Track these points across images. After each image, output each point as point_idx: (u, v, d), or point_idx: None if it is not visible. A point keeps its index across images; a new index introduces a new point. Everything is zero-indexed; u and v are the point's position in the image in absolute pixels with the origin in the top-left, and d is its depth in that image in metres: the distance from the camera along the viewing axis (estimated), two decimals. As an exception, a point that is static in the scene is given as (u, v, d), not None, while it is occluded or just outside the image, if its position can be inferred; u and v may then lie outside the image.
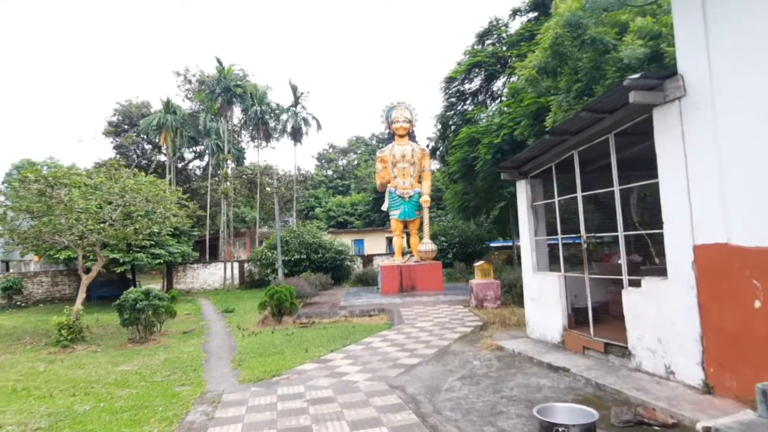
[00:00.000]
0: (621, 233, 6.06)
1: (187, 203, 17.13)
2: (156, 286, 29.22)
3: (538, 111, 15.44)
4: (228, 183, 23.75)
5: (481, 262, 13.14)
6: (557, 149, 7.07)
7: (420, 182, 18.72)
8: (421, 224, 18.90)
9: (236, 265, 25.96)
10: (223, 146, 26.02)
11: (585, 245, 6.94)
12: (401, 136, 18.62)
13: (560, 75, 12.64)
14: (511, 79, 27.40)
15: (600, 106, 5.72)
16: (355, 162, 73.47)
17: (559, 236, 7.65)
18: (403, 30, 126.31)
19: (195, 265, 25.51)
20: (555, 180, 7.38)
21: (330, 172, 71.80)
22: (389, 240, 39.71)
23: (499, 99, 25.44)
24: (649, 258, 22.66)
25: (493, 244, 30.92)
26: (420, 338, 9.10)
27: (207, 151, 31.75)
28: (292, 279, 17.34)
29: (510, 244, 35.73)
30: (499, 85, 27.79)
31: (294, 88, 31.98)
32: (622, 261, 8.04)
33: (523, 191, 8.28)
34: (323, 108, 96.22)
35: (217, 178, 32.97)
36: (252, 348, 9.53)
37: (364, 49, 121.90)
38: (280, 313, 12.59)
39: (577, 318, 7.25)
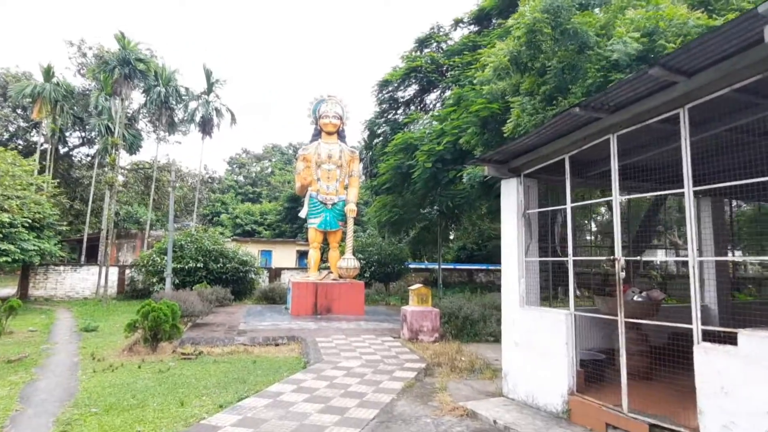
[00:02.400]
0: (694, 258, 4.01)
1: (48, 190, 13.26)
2: (9, 290, 23.91)
3: (486, 119, 13.77)
4: (114, 172, 19.66)
5: (418, 286, 10.92)
6: (579, 133, 5.02)
7: (346, 188, 16.29)
8: (344, 237, 16.43)
9: (115, 270, 21.70)
10: (114, 129, 21.86)
11: (620, 270, 4.86)
12: (329, 134, 16.14)
13: (528, 71, 10.92)
14: (445, 94, 26.16)
15: (712, 48, 3.55)
16: (269, 170, 69.61)
17: (570, 257, 5.56)
18: (333, 33, 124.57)
19: (60, 268, 20.92)
20: (569, 178, 5.30)
21: (241, 178, 67.24)
22: (300, 254, 36.65)
23: (431, 112, 23.59)
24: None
25: (411, 266, 29.07)
26: (349, 388, 6.56)
27: (95, 135, 26.96)
28: (181, 292, 14.03)
29: (429, 266, 34.34)
30: (433, 98, 26.40)
31: (208, 74, 28.29)
32: (643, 295, 6.16)
33: (513, 194, 6.14)
34: (240, 110, 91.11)
35: (105, 168, 28.26)
36: (100, 395, 6.44)
37: (290, 52, 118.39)
38: (155, 338, 9.43)
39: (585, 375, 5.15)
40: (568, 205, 5.44)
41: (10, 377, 7.49)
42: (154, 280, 19.74)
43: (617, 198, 4.67)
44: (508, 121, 11.06)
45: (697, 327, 3.83)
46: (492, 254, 40.76)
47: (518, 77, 11.39)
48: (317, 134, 16.38)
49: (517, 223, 6.01)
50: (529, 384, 5.50)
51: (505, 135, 11.38)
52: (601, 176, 6.77)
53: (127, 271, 21.76)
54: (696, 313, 3.86)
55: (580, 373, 5.05)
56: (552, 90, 10.65)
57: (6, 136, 33.41)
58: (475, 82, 14.49)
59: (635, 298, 5.97)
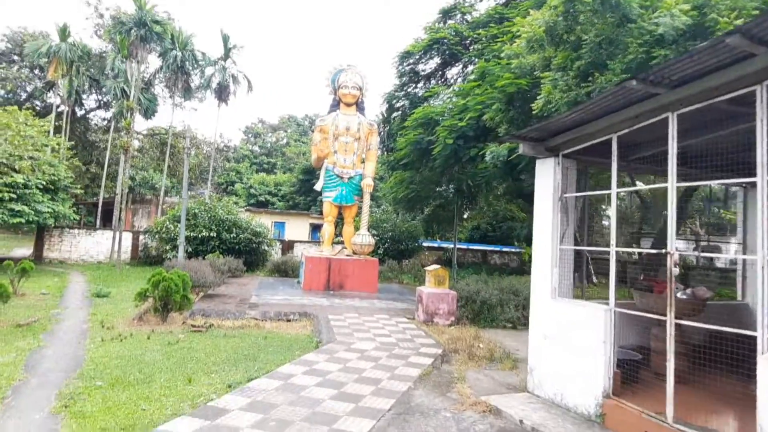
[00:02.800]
0: (764, 257, 3.56)
1: (58, 152, 13.02)
2: (24, 251, 24.09)
3: (513, 95, 13.16)
4: (129, 136, 19.40)
5: (435, 267, 10.55)
6: (631, 110, 4.51)
7: (363, 162, 15.84)
8: (359, 212, 16.07)
9: (129, 236, 21.65)
10: (130, 92, 21.51)
11: (672, 266, 4.40)
12: (348, 105, 15.61)
13: (562, 45, 10.28)
14: (467, 69, 25.33)
15: None
16: (285, 141, 69.21)
17: (613, 247, 5.11)
18: (354, 3, 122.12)
19: (75, 231, 20.92)
20: (615, 160, 4.81)
21: (257, 148, 66.96)
22: (313, 227, 36.48)
23: (452, 87, 22.82)
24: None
25: (425, 244, 28.68)
26: (363, 373, 6.27)
27: (111, 98, 26.65)
28: (193, 261, 13.85)
29: (442, 245, 33.95)
30: (455, 72, 25.61)
31: (225, 39, 27.64)
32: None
33: (549, 175, 5.67)
34: (256, 79, 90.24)
35: (121, 132, 28.04)
36: (106, 367, 6.24)
37: (308, 22, 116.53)
38: (166, 308, 9.23)
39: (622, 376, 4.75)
40: (614, 190, 4.96)
41: (17, 342, 7.34)
42: (168, 247, 19.66)
43: (673, 185, 4.19)
44: (537, 97, 10.46)
45: (762, 335, 3.41)
46: (506, 235, 40.21)
47: (552, 50, 10.73)
48: (335, 105, 15.87)
49: (553, 206, 5.56)
50: (558, 382, 5.14)
51: (533, 112, 10.81)
52: (642, 160, 6.28)
53: (141, 237, 21.72)
54: (763, 318, 3.43)
55: (616, 375, 4.67)
56: (587, 66, 10.02)
57: (23, 96, 33.29)
58: (502, 55, 13.81)
59: (679, 295, 5.53)
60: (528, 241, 34.58)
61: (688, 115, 4.15)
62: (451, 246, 31.92)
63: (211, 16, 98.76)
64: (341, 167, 15.34)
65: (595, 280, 22.48)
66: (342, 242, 16.84)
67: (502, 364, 7.10)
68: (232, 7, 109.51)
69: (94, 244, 21.14)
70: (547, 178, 5.67)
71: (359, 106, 15.91)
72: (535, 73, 12.26)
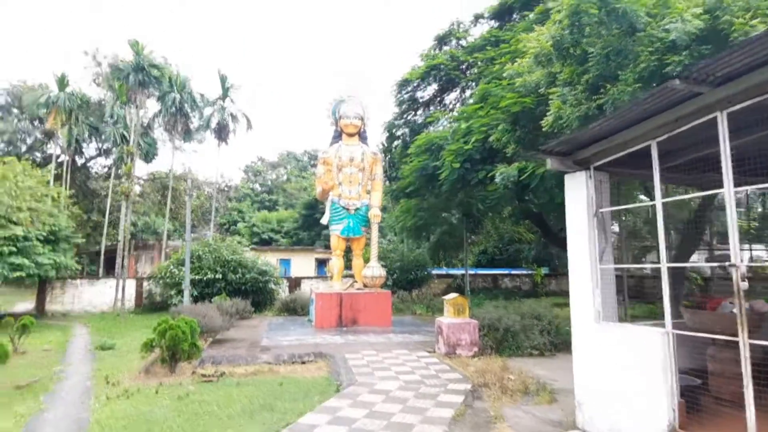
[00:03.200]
0: None
1: (58, 201, 12.74)
2: (27, 305, 23.57)
3: (518, 114, 12.93)
4: (129, 182, 19.19)
5: (454, 295, 10.06)
6: (670, 114, 4.15)
7: (368, 193, 15.53)
8: (368, 243, 15.68)
9: (132, 283, 21.19)
10: (129, 137, 21.43)
11: (739, 280, 3.94)
12: (350, 135, 15.41)
13: (568, 59, 10.06)
14: (465, 93, 25.32)
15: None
16: (285, 177, 69.37)
17: (663, 263, 4.66)
18: (350, 36, 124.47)
19: (77, 281, 20.48)
20: (657, 168, 4.43)
21: (257, 186, 67.02)
22: (319, 261, 35.97)
23: (451, 112, 22.70)
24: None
25: (434, 272, 28.07)
26: (392, 418, 5.75)
27: (111, 145, 26.61)
28: (200, 306, 13.36)
29: (451, 272, 33.34)
30: (452, 98, 25.59)
31: (223, 79, 27.82)
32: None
33: (581, 190, 5.28)
34: (254, 118, 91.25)
35: (122, 179, 27.91)
36: (112, 429, 5.73)
37: (303, 58, 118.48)
38: (173, 358, 8.72)
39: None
40: (658, 201, 4.55)
41: (16, 407, 6.82)
42: (172, 292, 19.17)
43: (731, 190, 3.80)
44: (547, 114, 10.17)
45: None
46: (513, 258, 39.59)
47: (559, 65, 10.50)
48: (337, 136, 15.66)
49: (588, 223, 5.15)
50: (613, 416, 4.63)
51: (543, 129, 10.52)
52: (673, 169, 5.89)
53: (145, 283, 21.25)
54: None
55: (681, 405, 4.17)
56: (595, 78, 9.77)
57: (23, 148, 33.36)
58: (504, 75, 13.64)
59: (734, 311, 5.06)
60: (538, 262, 34.05)
61: (736, 114, 3.79)
62: (460, 272, 31.38)
63: (206, 55, 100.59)
64: (347, 199, 15.01)
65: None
66: (352, 276, 16.38)
67: (539, 398, 6.57)
68: (226, 46, 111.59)
69: (97, 294, 20.66)
70: (579, 193, 5.28)
71: (362, 135, 15.71)
72: (539, 90, 12.04)
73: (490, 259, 38.56)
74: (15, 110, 33.12)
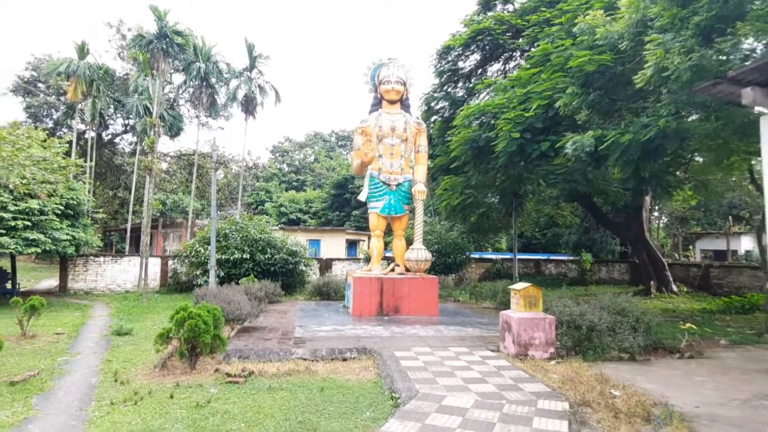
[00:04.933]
0: None
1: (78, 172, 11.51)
2: (52, 282, 22.90)
3: (591, 75, 11.04)
4: (152, 155, 17.98)
5: (525, 285, 8.40)
6: None
7: (412, 167, 13.88)
8: (410, 223, 14.10)
9: (158, 261, 20.15)
10: (152, 108, 20.20)
11: None
12: (392, 102, 13.72)
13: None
14: (509, 65, 23.25)
15: None
16: (312, 158, 68.17)
17: None
18: (380, 13, 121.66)
19: (101, 259, 19.50)
20: None
21: (285, 166, 65.98)
22: (349, 243, 34.66)
23: (498, 81, 20.61)
24: None
25: (473, 255, 26.31)
26: (481, 455, 4.18)
27: (130, 115, 25.46)
28: (226, 288, 12.05)
29: (485, 256, 31.56)
30: (495, 69, 23.61)
31: (250, 48, 26.28)
32: None
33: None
34: (283, 94, 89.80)
35: (147, 154, 26.88)
36: (107, 454, 4.34)
37: (333, 36, 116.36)
38: (193, 351, 7.35)
39: None
40: None
41: (3, 411, 5.53)
42: (198, 272, 18.06)
43: None
44: (645, 65, 8.28)
45: None
46: (551, 243, 37.47)
47: (657, 8, 8.59)
48: (377, 104, 13.98)
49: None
50: None
51: (638, 86, 8.67)
52: None
53: (170, 262, 20.18)
54: None
55: None
56: (710, 20, 7.84)
57: (50, 123, 32.71)
58: (575, 30, 11.74)
59: None
60: (578, 248, 31.95)
61: None
62: (499, 257, 29.60)
63: (230, 32, 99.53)
64: (388, 173, 13.40)
65: (675, 288, 19.86)
66: (391, 258, 14.86)
67: (669, 427, 4.92)
68: (251, 23, 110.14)
69: (120, 272, 19.69)
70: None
71: (404, 103, 13.99)
72: (621, 45, 10.15)
73: (527, 243, 36.57)
74: (41, 85, 32.45)
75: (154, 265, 20.02)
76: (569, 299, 9.20)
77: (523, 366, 7.37)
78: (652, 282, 19.78)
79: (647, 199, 21.26)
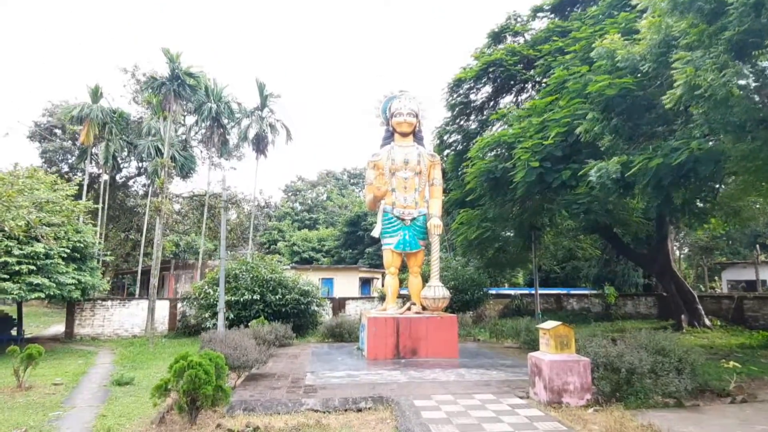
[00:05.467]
0: None
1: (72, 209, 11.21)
2: (60, 328, 22.43)
3: (612, 100, 10.57)
4: (163, 196, 17.75)
5: (555, 324, 7.68)
6: None
7: (426, 201, 13.37)
8: (426, 259, 13.49)
9: (166, 304, 19.64)
10: (164, 149, 20.14)
11: None
12: (404, 135, 13.33)
13: (693, 13, 7.76)
14: (521, 96, 23.01)
15: None
16: (325, 196, 68.28)
17: None
18: (392, 54, 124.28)
19: (108, 303, 19.06)
20: None
21: (297, 205, 66.09)
22: (363, 281, 33.94)
23: (510, 112, 20.19)
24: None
25: (491, 291, 25.38)
26: None
27: (142, 156, 25.51)
28: (234, 332, 11.43)
29: (503, 291, 30.58)
30: (507, 101, 23.39)
31: (261, 87, 26.46)
32: None
33: None
34: (294, 132, 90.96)
35: (159, 196, 26.82)
36: None
37: (343, 77, 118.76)
38: (193, 405, 6.70)
39: None
40: None
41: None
42: (207, 314, 17.45)
43: None
44: (675, 85, 7.77)
45: None
46: (570, 277, 36.33)
47: (683, 25, 8.16)
48: (389, 137, 13.61)
49: None
50: None
51: (667, 107, 8.14)
52: None
53: (179, 304, 19.66)
54: None
55: None
56: (741, 35, 7.36)
57: (65, 168, 33.06)
58: (592, 55, 11.35)
59: None
60: (599, 281, 30.84)
61: None
62: (517, 292, 28.61)
63: (241, 71, 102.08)
64: (401, 207, 12.87)
65: (708, 322, 18.77)
66: (406, 297, 14.17)
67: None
68: (262, 62, 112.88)
69: (128, 316, 19.18)
70: None
71: (417, 135, 13.60)
72: (643, 67, 9.70)
73: (545, 277, 35.43)
74: (57, 130, 32.99)
75: (163, 308, 19.50)
76: (601, 337, 8.43)
77: (558, 416, 6.60)
78: (682, 316, 18.74)
79: (671, 228, 20.46)
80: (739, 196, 12.63)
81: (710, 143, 8.10)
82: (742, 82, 7.49)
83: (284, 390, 8.27)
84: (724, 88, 6.97)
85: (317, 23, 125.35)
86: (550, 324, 7.74)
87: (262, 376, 9.54)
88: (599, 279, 30.40)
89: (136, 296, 28.59)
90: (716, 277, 40.67)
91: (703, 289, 36.03)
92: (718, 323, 19.19)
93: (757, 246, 31.67)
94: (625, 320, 22.78)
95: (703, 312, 18.88)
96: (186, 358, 6.81)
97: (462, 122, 22.59)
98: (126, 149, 29.96)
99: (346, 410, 7.37)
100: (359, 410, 7.40)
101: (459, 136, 22.78)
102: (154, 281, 17.54)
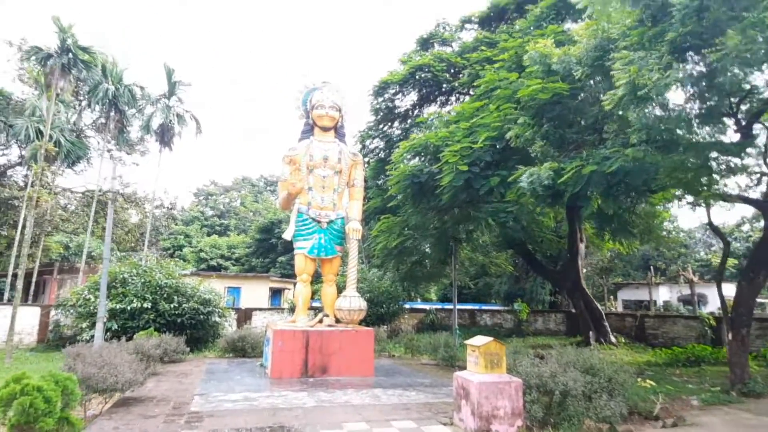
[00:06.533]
0: None
1: None
2: None
3: (544, 105, 10.18)
4: (38, 185, 15.13)
5: (487, 340, 6.82)
6: None
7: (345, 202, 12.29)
8: (342, 266, 12.36)
9: (36, 312, 16.79)
10: (45, 130, 17.17)
11: None
12: (325, 130, 12.18)
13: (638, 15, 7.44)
14: (445, 108, 22.77)
15: None
16: (238, 201, 65.11)
17: None
18: (319, 52, 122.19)
19: (-42, 309, 15.90)
20: None
21: (208, 210, 62.33)
22: (273, 291, 32.01)
23: (428, 129, 19.65)
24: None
25: (406, 305, 24.67)
26: None
27: (20, 139, 22.10)
28: (111, 346, 9.55)
29: (416, 306, 30.06)
30: (432, 111, 23.06)
31: (169, 73, 23.98)
32: None
33: None
34: (209, 133, 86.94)
35: (42, 185, 23.39)
36: None
37: (262, 75, 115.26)
38: (27, 444, 5.02)
39: None
40: None
41: None
42: (85, 324, 15.02)
43: None
44: (616, 84, 7.32)
45: None
46: (482, 293, 36.82)
47: (631, 20, 7.81)
48: (308, 130, 12.40)
49: None
50: None
51: (607, 108, 7.70)
52: None
53: (53, 312, 16.89)
54: None
55: None
56: (682, 37, 7.07)
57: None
58: (525, 58, 10.94)
59: None
60: (510, 298, 31.29)
61: None
62: (432, 307, 28.17)
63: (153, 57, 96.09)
64: (318, 208, 11.67)
65: (614, 339, 19.21)
66: (318, 308, 12.92)
67: None
68: (179, 44, 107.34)
69: (-13, 325, 16.11)
70: None
71: (339, 131, 12.51)
72: (576, 73, 9.36)
73: (458, 293, 35.53)
74: None
75: (32, 316, 16.65)
76: (525, 355, 7.74)
77: (490, 447, 5.69)
78: (590, 332, 19.05)
79: (582, 247, 20.96)
80: (654, 213, 12.77)
81: (643, 153, 7.74)
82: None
83: (161, 419, 6.69)
84: (667, 88, 6.58)
85: (240, 19, 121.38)
86: (479, 340, 6.88)
87: (136, 400, 7.83)
88: (510, 295, 30.87)
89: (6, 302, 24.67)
90: (611, 297, 43.25)
91: (602, 307, 37.97)
92: (623, 340, 19.73)
93: (651, 268, 33.86)
94: (537, 336, 22.98)
95: (609, 329, 19.32)
96: (20, 380, 5.13)
97: (386, 128, 21.90)
98: (6, 133, 26.12)
99: (237, 445, 6.00)
100: (254, 444, 6.06)
101: (382, 143, 22.06)
102: (18, 283, 14.80)
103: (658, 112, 7.27)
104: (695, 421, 7.36)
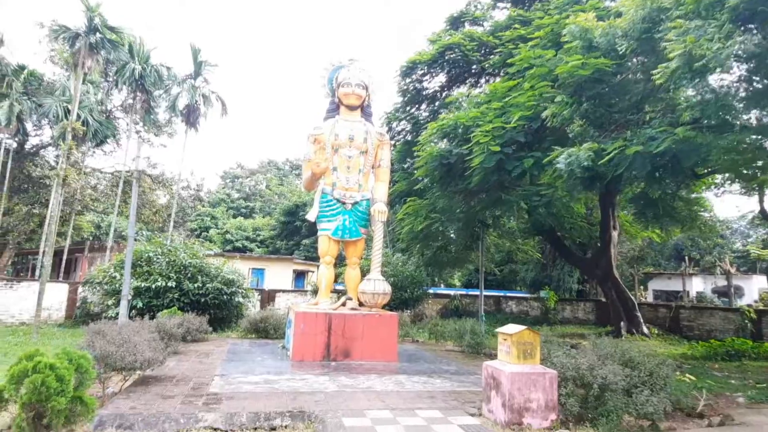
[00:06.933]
0: None
1: None
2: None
3: (584, 82, 9.55)
4: (65, 164, 15.20)
5: (520, 328, 6.40)
6: None
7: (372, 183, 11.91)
8: (367, 249, 12.03)
9: (64, 288, 17.03)
10: (73, 109, 17.22)
11: None
12: (351, 108, 11.77)
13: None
14: (475, 90, 22.08)
15: None
16: (264, 184, 65.42)
17: None
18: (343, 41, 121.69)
19: (-8, 284, 16.23)
20: None
21: (234, 192, 62.83)
22: (297, 273, 32.04)
23: (458, 110, 19.03)
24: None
25: (430, 291, 24.32)
26: None
27: (50, 119, 22.35)
28: (131, 322, 9.48)
29: (440, 291, 29.69)
30: (462, 91, 22.39)
31: (195, 53, 23.83)
32: None
33: None
34: (235, 117, 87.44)
35: (72, 165, 23.72)
36: None
37: (291, 63, 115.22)
38: (39, 422, 4.87)
39: None
40: None
41: None
42: (111, 302, 15.16)
43: None
44: (670, 55, 6.70)
45: None
46: (508, 280, 36.14)
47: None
48: (334, 109, 12.02)
49: None
50: None
51: (658, 82, 7.08)
52: None
53: (80, 289, 17.11)
54: None
55: None
56: (746, 3, 6.38)
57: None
58: (564, 32, 10.31)
59: None
60: (536, 285, 30.63)
61: None
62: (456, 293, 27.78)
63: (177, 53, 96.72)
64: (342, 189, 11.32)
65: (646, 330, 18.55)
66: (341, 291, 12.66)
67: None
68: (207, 39, 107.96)
69: (17, 300, 16.43)
70: None
71: (365, 110, 12.08)
72: (620, 48, 8.71)
73: (484, 279, 35.03)
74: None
75: (61, 292, 16.91)
76: (558, 344, 7.30)
77: (522, 443, 5.32)
78: (621, 323, 18.41)
79: (615, 234, 20.19)
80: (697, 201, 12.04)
81: (695, 133, 7.12)
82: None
83: (179, 400, 6.52)
84: (729, 58, 5.95)
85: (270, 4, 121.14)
86: (512, 328, 6.46)
87: (156, 379, 7.70)
88: (536, 283, 30.22)
89: (12, 278, 25.28)
90: (641, 287, 42.08)
91: (636, 297, 36.95)
92: (656, 332, 19.02)
93: (686, 258, 32.67)
94: (564, 325, 22.41)
95: (641, 320, 18.64)
96: (33, 357, 4.96)
97: (413, 110, 21.35)
98: (36, 113, 26.50)
99: (255, 429, 5.77)
100: (272, 429, 5.82)
101: (409, 125, 21.55)
102: (47, 260, 14.96)
103: (714, 84, 6.63)
104: (744, 420, 6.83)
